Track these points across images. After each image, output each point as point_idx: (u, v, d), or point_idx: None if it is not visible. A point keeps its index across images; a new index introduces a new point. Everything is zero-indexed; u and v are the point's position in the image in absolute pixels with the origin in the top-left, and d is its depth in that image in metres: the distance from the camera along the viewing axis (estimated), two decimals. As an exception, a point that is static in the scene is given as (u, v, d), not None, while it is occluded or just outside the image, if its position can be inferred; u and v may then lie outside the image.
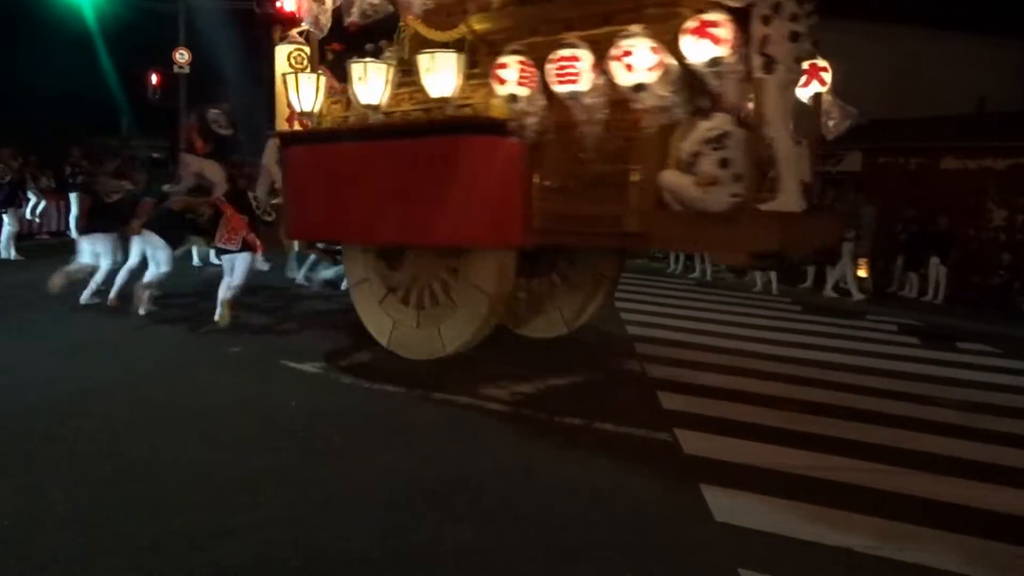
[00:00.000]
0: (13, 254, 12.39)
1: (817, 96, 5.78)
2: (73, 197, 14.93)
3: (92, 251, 8.53)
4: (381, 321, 6.93)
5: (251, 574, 3.26)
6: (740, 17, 4.92)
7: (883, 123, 18.67)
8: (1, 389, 5.52)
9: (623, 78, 5.02)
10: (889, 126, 18.17)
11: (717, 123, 5.06)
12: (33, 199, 14.12)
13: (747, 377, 6.72)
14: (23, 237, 13.42)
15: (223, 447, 4.66)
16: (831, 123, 5.83)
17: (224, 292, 7.81)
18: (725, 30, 4.78)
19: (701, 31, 4.82)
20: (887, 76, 19.49)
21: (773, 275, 12.52)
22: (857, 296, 12.20)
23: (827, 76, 5.77)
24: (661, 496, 4.23)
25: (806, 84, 5.67)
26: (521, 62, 5.48)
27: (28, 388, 5.58)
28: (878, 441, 5.20)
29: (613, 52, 5.01)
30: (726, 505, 4.06)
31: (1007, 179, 13.77)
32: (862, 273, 12.70)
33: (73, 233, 14.96)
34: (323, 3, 6.70)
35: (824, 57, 5.76)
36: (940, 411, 6.04)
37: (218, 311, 7.77)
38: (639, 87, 4.97)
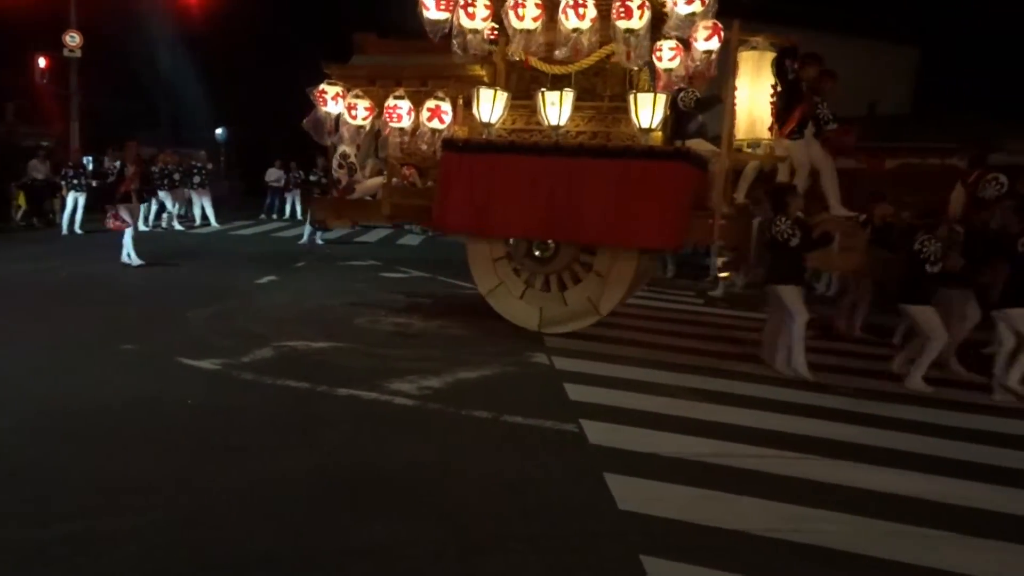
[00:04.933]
0: None
1: None
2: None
3: None
4: None
5: (142, 580, 3.11)
6: None
7: (781, 123, 19.46)
8: None
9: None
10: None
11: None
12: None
13: (652, 368, 6.85)
14: None
15: (115, 448, 4.44)
16: None
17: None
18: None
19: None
20: (784, 78, 20.23)
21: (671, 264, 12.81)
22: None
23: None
24: (567, 487, 4.27)
25: None
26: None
27: None
28: (774, 427, 5.39)
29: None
30: (630, 493, 4.13)
31: (894, 178, 14.52)
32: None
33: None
34: None
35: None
36: (833, 398, 6.29)
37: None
38: None
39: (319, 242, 15.67)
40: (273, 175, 21.54)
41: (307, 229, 15.93)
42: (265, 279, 10.75)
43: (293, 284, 10.57)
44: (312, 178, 16.61)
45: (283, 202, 21.36)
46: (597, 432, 5.09)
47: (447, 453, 4.68)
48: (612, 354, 7.28)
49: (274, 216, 21.20)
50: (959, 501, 4.31)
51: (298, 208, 20.32)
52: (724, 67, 7.39)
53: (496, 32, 7.65)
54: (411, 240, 17.01)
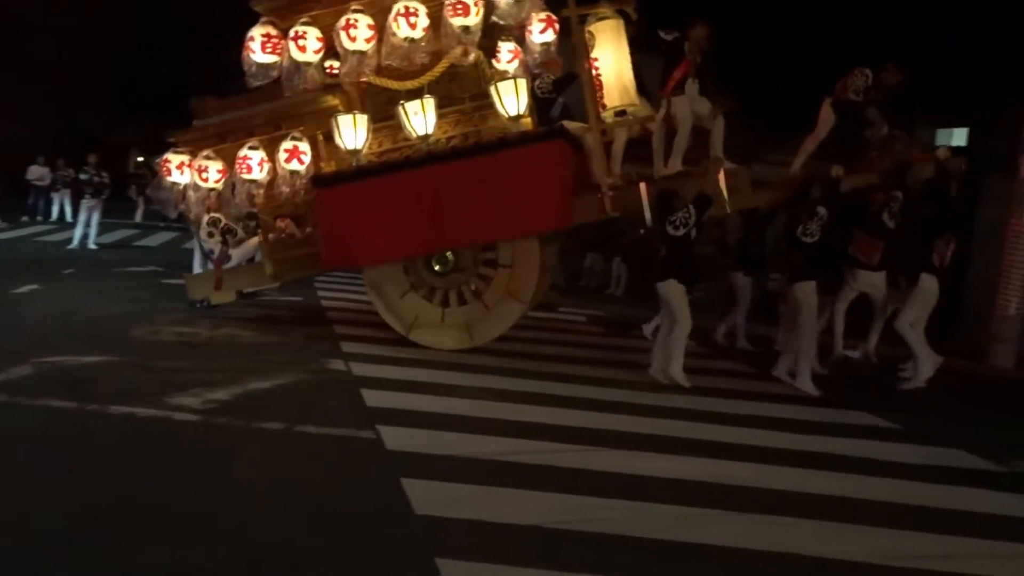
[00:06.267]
0: None
1: None
2: None
3: None
4: None
5: None
6: None
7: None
8: None
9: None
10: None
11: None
12: None
13: (449, 370, 6.90)
14: None
15: None
16: None
17: None
18: None
19: None
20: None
21: None
22: None
23: None
24: (363, 495, 4.19)
25: None
26: None
27: None
28: (566, 423, 5.61)
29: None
30: (426, 497, 4.12)
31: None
32: None
33: None
34: None
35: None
36: (621, 392, 6.65)
37: None
38: None
39: (92, 246, 14.37)
40: (35, 173, 19.41)
41: (78, 232, 14.56)
42: (25, 288, 9.65)
43: (60, 293, 9.58)
44: (83, 176, 15.20)
45: (49, 203, 19.32)
46: (394, 437, 5.04)
47: (234, 469, 4.43)
48: (411, 358, 7.24)
49: (38, 218, 19.13)
50: (734, 481, 4.70)
51: (67, 209, 18.45)
52: (571, 43, 7.38)
53: (335, 67, 7.33)
54: (199, 244, 16.01)
